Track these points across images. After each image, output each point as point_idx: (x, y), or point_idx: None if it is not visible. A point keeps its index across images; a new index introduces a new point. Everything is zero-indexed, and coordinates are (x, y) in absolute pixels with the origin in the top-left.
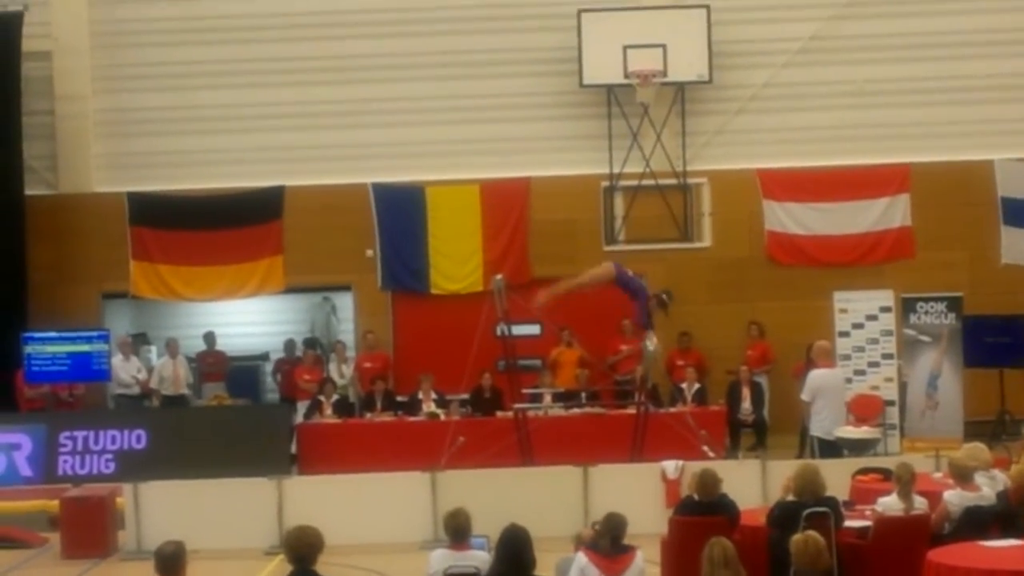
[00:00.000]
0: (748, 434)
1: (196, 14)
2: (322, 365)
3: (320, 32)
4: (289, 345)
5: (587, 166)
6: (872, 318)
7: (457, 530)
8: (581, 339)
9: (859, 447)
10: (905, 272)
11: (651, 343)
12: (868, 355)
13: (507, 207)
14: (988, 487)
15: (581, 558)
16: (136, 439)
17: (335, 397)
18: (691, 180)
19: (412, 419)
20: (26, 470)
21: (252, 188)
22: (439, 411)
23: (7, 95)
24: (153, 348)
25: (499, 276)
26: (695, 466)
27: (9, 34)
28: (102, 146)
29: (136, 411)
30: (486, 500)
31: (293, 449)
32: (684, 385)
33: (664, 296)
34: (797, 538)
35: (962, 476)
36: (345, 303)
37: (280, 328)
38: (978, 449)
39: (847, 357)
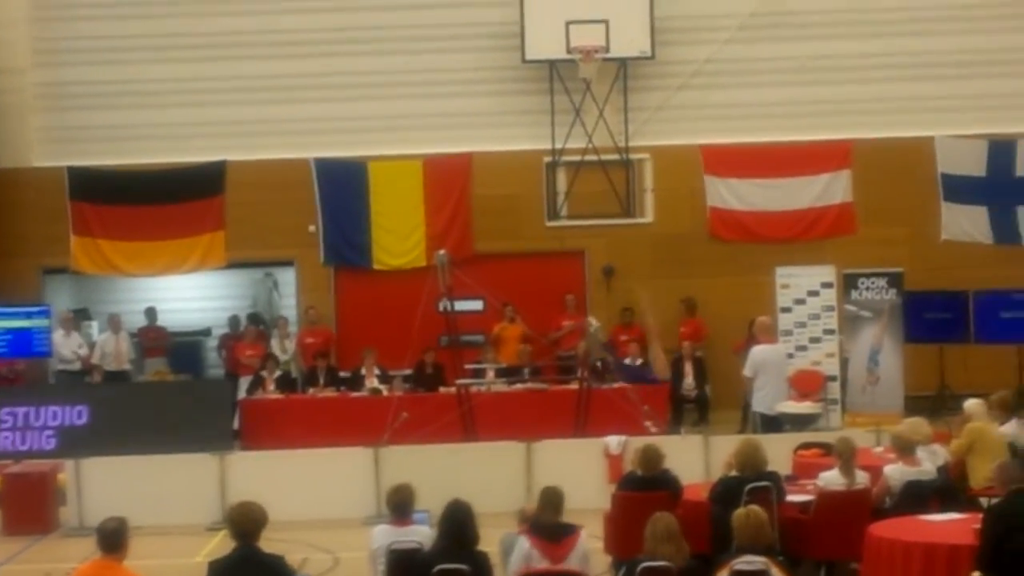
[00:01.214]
0: (690, 409)
1: None
2: (264, 340)
3: (262, 6)
4: (234, 321)
5: (529, 141)
6: (814, 294)
7: (399, 505)
8: (524, 315)
9: (801, 422)
10: (846, 248)
11: (594, 324)
12: (810, 331)
13: (449, 182)
14: (928, 462)
15: (524, 543)
16: (77, 415)
17: (277, 373)
18: (633, 156)
19: (355, 395)
20: None
21: (193, 163)
22: (382, 387)
23: None
24: (94, 323)
25: (442, 251)
26: (638, 441)
27: None
28: (41, 120)
29: (77, 387)
30: (429, 475)
31: (236, 425)
32: (627, 360)
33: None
34: (739, 513)
35: (904, 450)
36: (287, 278)
37: (222, 304)
38: (919, 424)
39: (789, 333)
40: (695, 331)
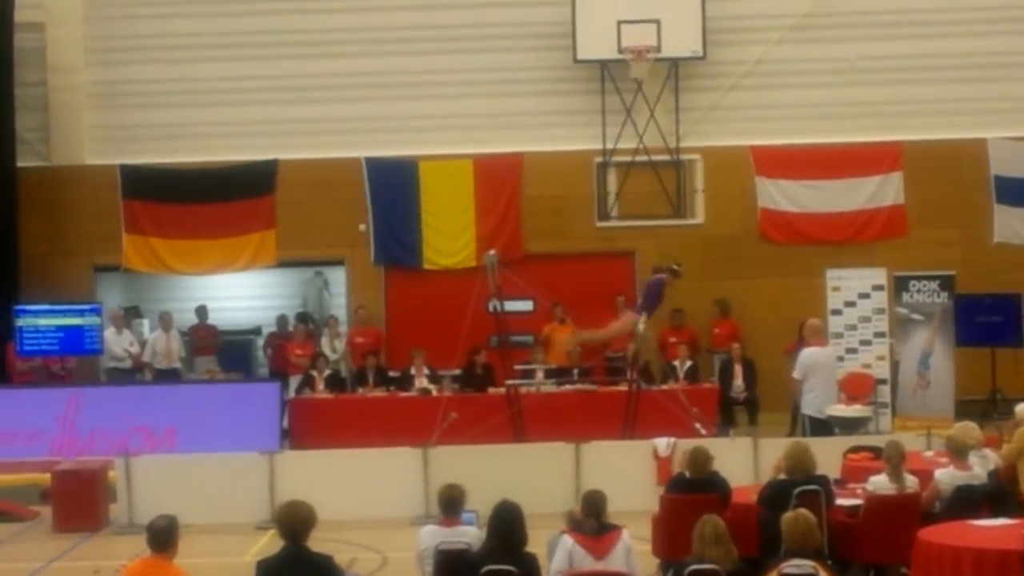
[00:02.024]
0: (740, 411)
1: None
2: (314, 340)
3: (316, 5)
4: (282, 320)
5: (580, 142)
6: (864, 296)
7: (450, 502)
8: (574, 315)
9: (850, 425)
10: (897, 250)
11: (642, 324)
12: (860, 333)
13: (500, 182)
14: (979, 466)
15: (567, 541)
16: None
17: (327, 372)
18: (684, 156)
19: (404, 394)
20: None
21: (245, 161)
22: (431, 387)
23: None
24: (145, 321)
25: (492, 251)
26: (687, 443)
27: (1, 5)
28: (95, 118)
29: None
30: (478, 476)
31: (285, 424)
32: (676, 362)
33: (676, 267)
34: (788, 516)
35: (958, 453)
36: (338, 278)
37: (272, 303)
38: (970, 428)
39: (839, 335)
40: (730, 332)
